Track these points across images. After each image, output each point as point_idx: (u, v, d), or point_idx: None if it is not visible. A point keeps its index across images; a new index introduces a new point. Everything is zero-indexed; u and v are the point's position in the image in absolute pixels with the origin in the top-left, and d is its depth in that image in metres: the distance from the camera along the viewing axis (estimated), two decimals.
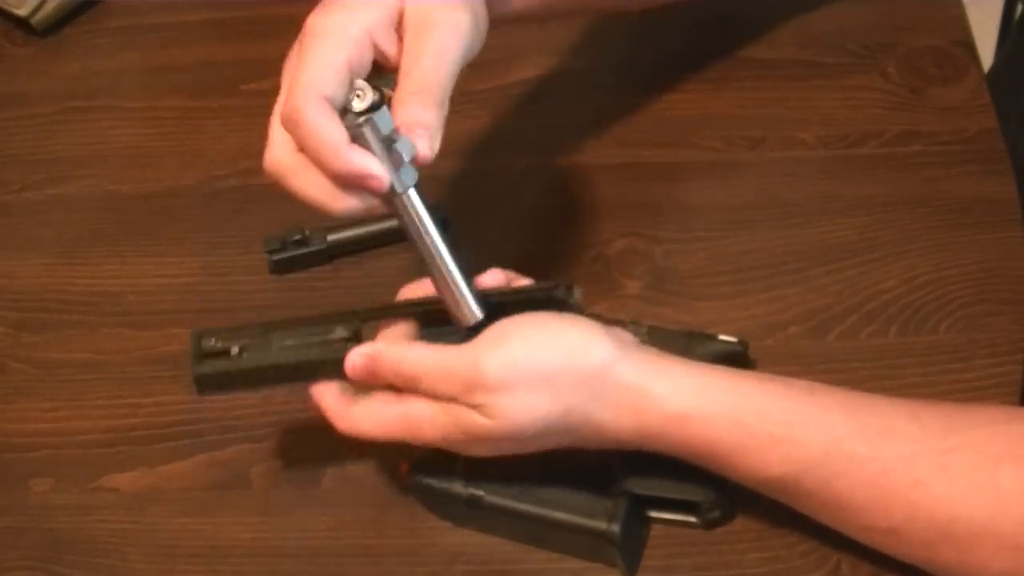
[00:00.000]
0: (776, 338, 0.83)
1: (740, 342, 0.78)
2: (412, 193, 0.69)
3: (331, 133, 0.66)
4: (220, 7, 1.06)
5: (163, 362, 0.86)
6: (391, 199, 0.68)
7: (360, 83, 0.67)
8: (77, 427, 0.83)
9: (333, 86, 0.66)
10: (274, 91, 0.99)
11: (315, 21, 0.68)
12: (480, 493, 0.74)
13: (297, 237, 0.89)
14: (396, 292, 0.87)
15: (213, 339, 0.73)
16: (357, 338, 0.73)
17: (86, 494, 0.81)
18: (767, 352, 0.81)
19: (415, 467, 0.76)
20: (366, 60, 0.68)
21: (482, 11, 0.72)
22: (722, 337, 0.78)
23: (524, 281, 0.75)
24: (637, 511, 0.74)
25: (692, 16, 0.98)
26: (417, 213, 0.70)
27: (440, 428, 0.70)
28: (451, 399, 0.69)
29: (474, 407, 0.68)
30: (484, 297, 0.72)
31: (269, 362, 0.73)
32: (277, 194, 0.94)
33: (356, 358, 0.71)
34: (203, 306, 0.88)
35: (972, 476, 0.66)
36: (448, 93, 0.68)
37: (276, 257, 0.89)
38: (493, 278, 0.74)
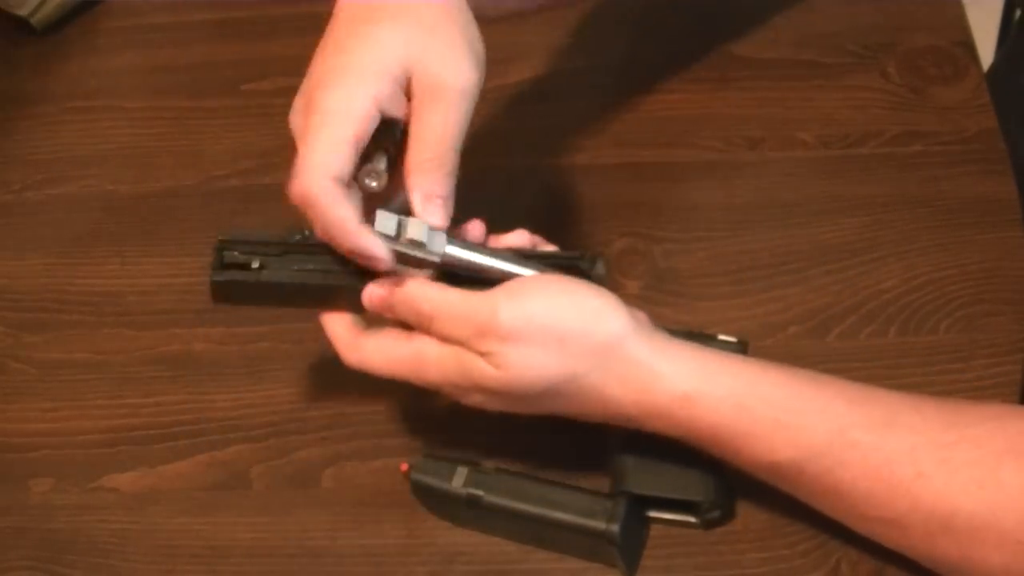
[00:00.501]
0: (776, 338, 0.83)
1: (740, 342, 0.78)
2: (449, 249, 0.71)
3: (339, 214, 0.69)
4: (220, 7, 1.06)
5: (163, 362, 0.86)
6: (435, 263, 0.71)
7: (377, 168, 0.71)
8: (77, 427, 0.83)
9: (341, 164, 0.68)
10: (274, 91, 1.00)
11: (322, 97, 0.69)
12: (480, 493, 0.74)
13: (297, 237, 0.89)
14: None
15: (236, 251, 0.73)
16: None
17: (86, 494, 0.81)
18: (767, 352, 0.81)
19: (415, 467, 0.76)
20: (373, 128, 0.70)
21: (478, 42, 0.73)
22: (721, 337, 0.78)
23: (549, 247, 0.75)
24: (637, 511, 0.74)
25: (692, 16, 0.98)
26: (465, 258, 0.71)
27: (445, 371, 0.70)
28: (461, 343, 0.69)
29: (482, 354, 0.68)
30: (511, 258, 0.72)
31: (286, 280, 0.72)
32: (277, 194, 0.94)
33: (375, 288, 0.71)
34: (203, 306, 0.88)
35: (974, 470, 0.66)
36: (457, 157, 0.71)
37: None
38: (519, 238, 0.74)
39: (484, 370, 0.69)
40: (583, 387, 0.69)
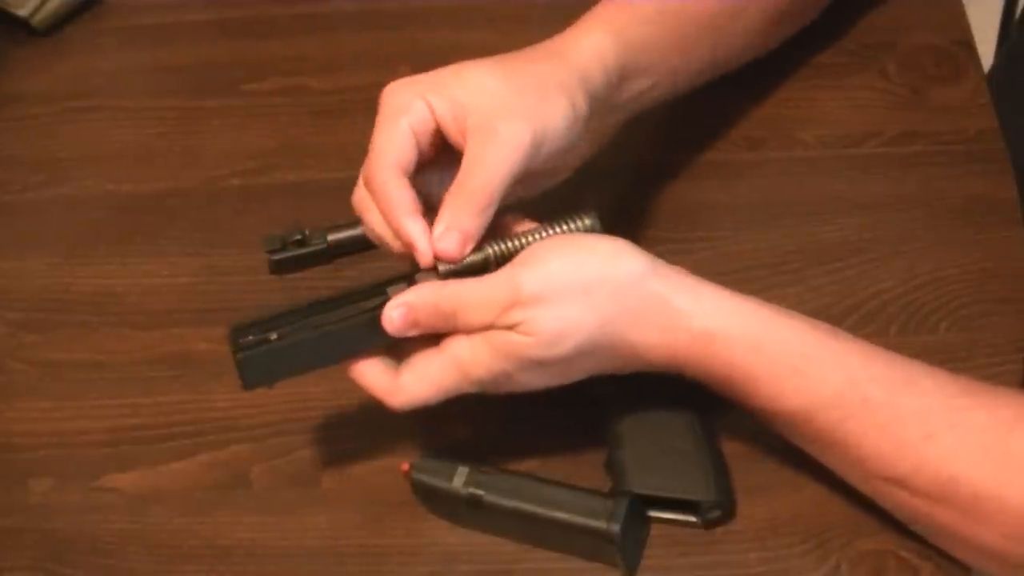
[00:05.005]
0: None
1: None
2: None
3: (393, 195, 0.72)
4: (220, 7, 1.06)
5: (163, 362, 0.86)
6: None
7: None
8: (77, 427, 0.83)
9: (400, 153, 0.73)
10: (274, 91, 1.00)
11: (388, 95, 0.75)
12: (480, 493, 0.74)
13: (297, 237, 0.89)
14: None
15: (250, 335, 0.73)
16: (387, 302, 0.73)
17: (86, 494, 0.81)
18: None
19: (415, 467, 0.76)
20: (429, 130, 0.74)
21: (559, 116, 0.73)
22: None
23: (530, 224, 0.75)
24: (637, 511, 0.74)
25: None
26: (473, 260, 0.72)
27: (484, 362, 0.70)
28: (490, 326, 0.69)
29: (512, 327, 0.69)
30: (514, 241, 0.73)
31: (310, 338, 0.73)
32: (277, 194, 0.95)
33: (392, 312, 0.71)
34: (203, 306, 0.88)
35: (983, 436, 0.67)
36: (496, 202, 0.72)
37: (276, 257, 0.89)
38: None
39: (519, 342, 0.69)
40: (613, 333, 0.69)
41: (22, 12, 1.04)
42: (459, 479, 0.74)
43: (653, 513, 0.75)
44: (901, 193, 0.89)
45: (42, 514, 0.80)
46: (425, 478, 0.76)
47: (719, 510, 0.74)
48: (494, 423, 0.80)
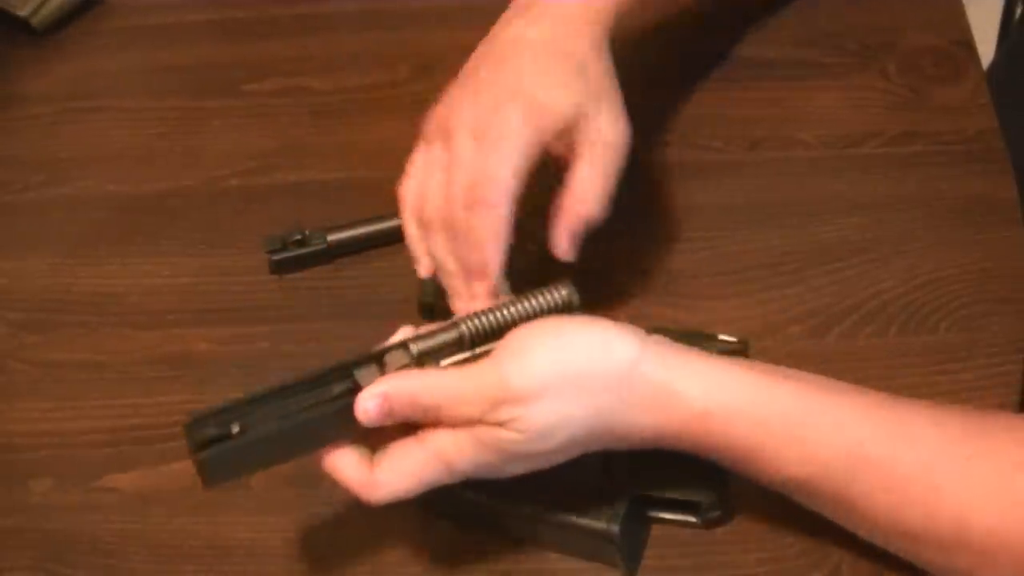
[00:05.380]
0: (776, 338, 0.83)
1: (740, 341, 0.78)
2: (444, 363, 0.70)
3: (503, 231, 0.73)
4: (220, 7, 1.06)
5: (163, 362, 0.86)
6: None
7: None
8: (78, 427, 0.83)
9: (517, 172, 0.74)
10: (274, 91, 1.00)
11: (501, 121, 0.75)
12: (480, 493, 0.74)
13: (297, 237, 0.89)
14: (396, 294, 0.87)
15: (209, 427, 0.67)
16: (357, 388, 0.68)
17: (86, 494, 0.81)
18: (767, 352, 0.81)
19: None
20: (537, 157, 0.75)
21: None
22: (722, 337, 0.78)
23: (504, 298, 0.72)
24: (637, 511, 0.74)
25: (693, 17, 0.98)
26: (457, 359, 0.70)
27: (470, 456, 0.67)
28: (476, 421, 0.66)
29: (501, 424, 0.66)
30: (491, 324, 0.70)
31: (275, 431, 0.68)
32: (277, 194, 0.95)
33: (367, 402, 0.67)
34: (203, 306, 0.88)
35: (990, 483, 0.66)
36: (604, 206, 0.77)
37: (276, 257, 0.89)
38: (403, 333, 0.72)
39: (509, 438, 0.66)
40: (608, 421, 0.68)
41: (22, 12, 1.04)
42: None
43: (653, 513, 0.75)
44: (901, 193, 0.89)
45: (42, 514, 0.80)
46: None
47: (719, 510, 0.74)
48: None
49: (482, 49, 0.80)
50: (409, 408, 0.67)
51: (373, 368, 0.69)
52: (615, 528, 0.72)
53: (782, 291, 0.85)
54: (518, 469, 0.68)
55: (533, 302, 0.70)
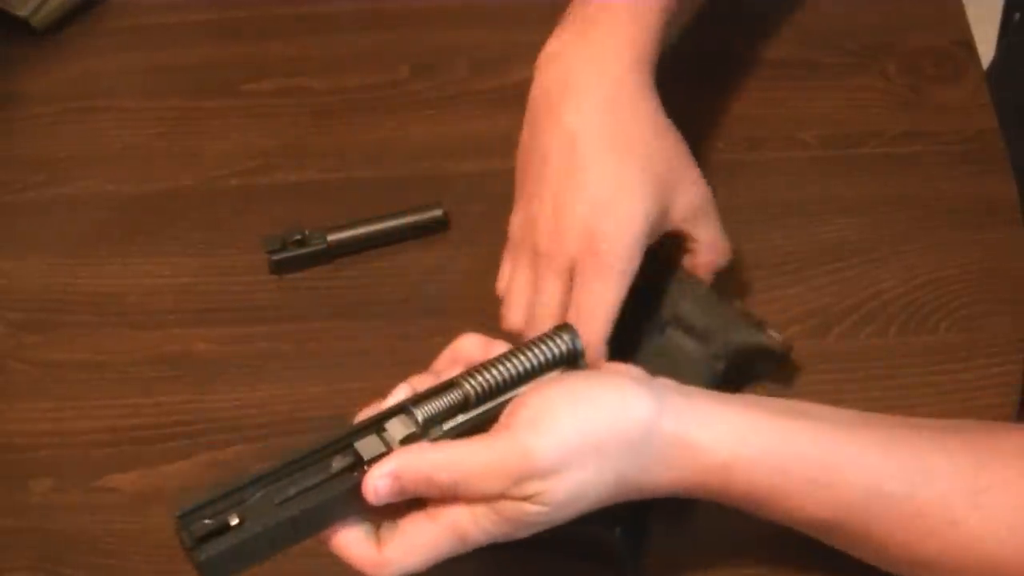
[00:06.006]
0: None
1: (784, 344, 0.76)
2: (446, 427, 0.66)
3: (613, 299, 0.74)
4: (220, 7, 1.06)
5: (163, 362, 0.86)
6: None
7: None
8: (78, 427, 0.83)
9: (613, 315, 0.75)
10: (274, 91, 1.00)
11: (599, 231, 0.75)
12: None
13: (297, 237, 0.89)
14: (396, 294, 0.87)
15: (204, 518, 0.63)
16: (359, 462, 0.65)
17: (87, 494, 0.81)
18: None
19: None
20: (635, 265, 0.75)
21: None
22: (771, 332, 0.77)
23: (503, 346, 0.69)
24: (637, 513, 0.74)
25: (692, 16, 0.98)
26: (463, 421, 0.67)
27: (488, 529, 0.65)
28: (498, 496, 0.64)
29: (525, 498, 0.64)
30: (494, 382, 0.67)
31: (277, 520, 0.63)
32: (277, 194, 0.95)
33: (377, 481, 0.64)
34: (203, 306, 0.88)
35: (1006, 515, 0.66)
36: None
37: (276, 257, 0.89)
38: (472, 344, 0.70)
39: (534, 511, 0.64)
40: (629, 481, 0.67)
41: (22, 12, 1.04)
42: None
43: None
44: (901, 193, 0.89)
45: (42, 514, 0.80)
46: None
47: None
48: None
49: (538, 137, 0.79)
50: (423, 486, 0.64)
51: (374, 439, 0.65)
52: (616, 531, 0.72)
53: (782, 291, 0.85)
54: (530, 533, 0.67)
55: (537, 353, 0.68)
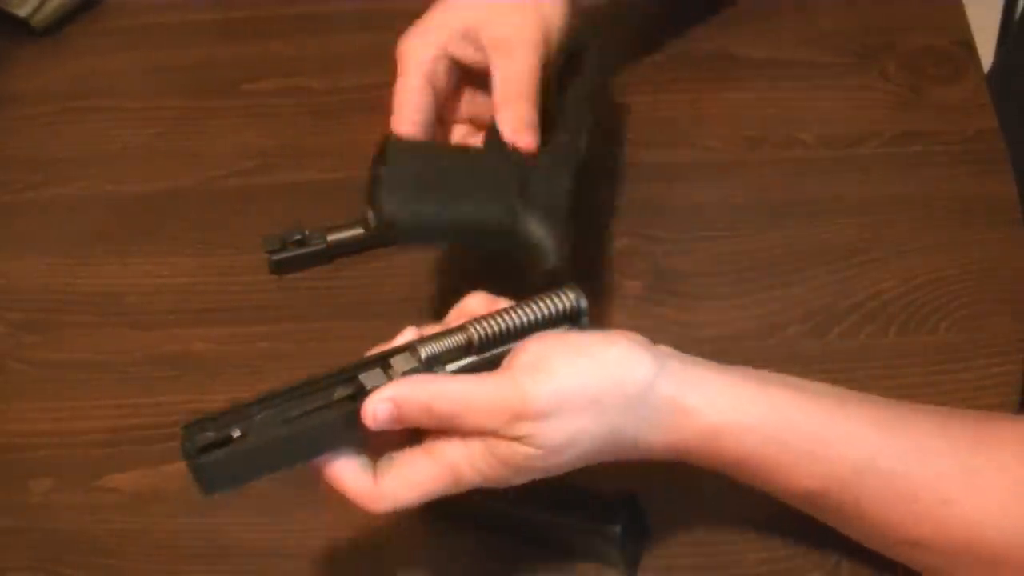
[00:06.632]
0: (776, 338, 0.83)
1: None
2: (449, 368, 0.68)
3: (411, 84, 0.79)
4: (220, 7, 1.06)
5: (163, 362, 0.86)
6: None
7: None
8: (77, 427, 0.83)
9: (426, 111, 0.79)
10: (274, 91, 1.00)
11: (398, 48, 0.81)
12: (481, 495, 0.74)
13: (297, 237, 0.89)
14: (396, 294, 0.87)
15: (209, 431, 0.65)
16: (362, 392, 0.67)
17: (87, 494, 0.81)
18: (767, 352, 0.81)
19: None
20: (441, 71, 0.80)
21: (559, 12, 0.80)
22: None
23: (505, 302, 0.71)
24: (637, 511, 0.74)
25: (692, 16, 0.98)
26: (463, 366, 0.68)
27: (480, 469, 0.66)
28: (491, 433, 0.65)
29: (518, 439, 0.65)
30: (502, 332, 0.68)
31: (277, 436, 0.66)
32: (277, 194, 0.95)
33: (377, 405, 0.65)
34: (203, 306, 0.88)
35: (1001, 495, 0.66)
36: (536, 94, 0.78)
37: (276, 257, 0.89)
38: (478, 301, 0.71)
39: (524, 452, 0.65)
40: (622, 438, 0.67)
41: (22, 12, 1.04)
42: None
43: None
44: (901, 193, 0.89)
45: (42, 514, 0.80)
46: None
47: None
48: None
49: None
50: (421, 414, 0.66)
51: (379, 372, 0.67)
52: (615, 528, 0.72)
53: (782, 291, 0.85)
54: (524, 480, 0.68)
55: (542, 306, 0.69)
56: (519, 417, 0.65)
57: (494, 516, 0.75)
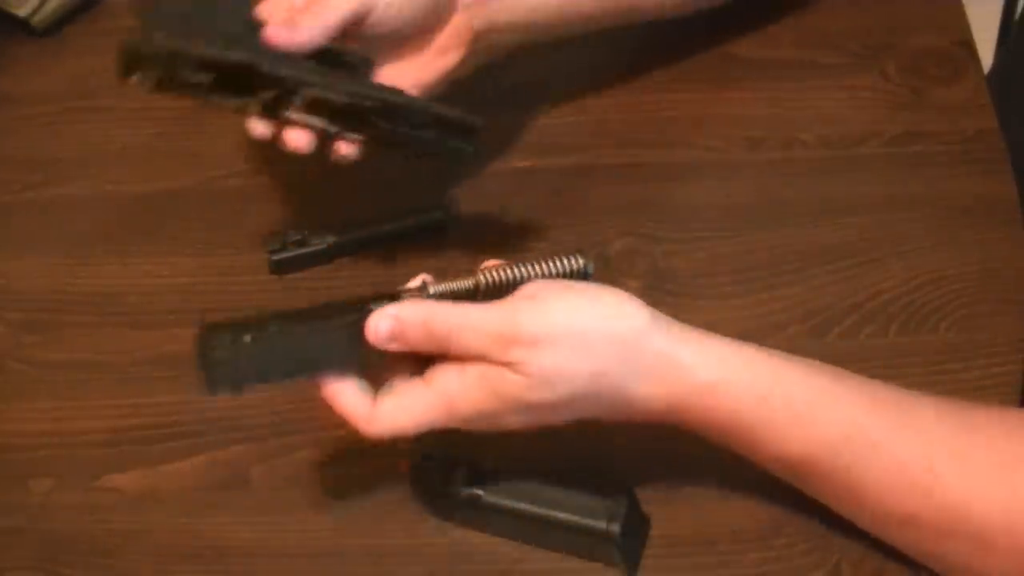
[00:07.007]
0: (776, 338, 0.83)
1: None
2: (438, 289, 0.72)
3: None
4: None
5: (163, 362, 0.86)
6: None
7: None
8: (77, 427, 0.83)
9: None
10: None
11: None
12: (480, 493, 0.74)
13: (297, 237, 0.89)
14: None
15: (222, 335, 0.70)
16: (368, 312, 0.70)
17: (86, 494, 0.81)
18: None
19: (415, 467, 0.76)
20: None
21: None
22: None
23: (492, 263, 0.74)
24: (637, 511, 0.74)
25: (692, 16, 0.98)
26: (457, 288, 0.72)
27: (474, 400, 0.68)
28: (483, 357, 0.67)
29: (507, 364, 0.67)
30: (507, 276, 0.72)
31: (284, 342, 0.70)
32: (277, 194, 0.95)
33: (380, 321, 0.69)
34: (203, 306, 0.88)
35: (990, 473, 0.66)
36: (332, 24, 0.77)
37: (276, 257, 0.89)
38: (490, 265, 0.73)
39: (512, 381, 0.67)
40: (609, 385, 0.68)
41: (22, 12, 1.04)
42: (459, 479, 0.74)
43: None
44: (901, 193, 0.89)
45: (42, 514, 0.80)
46: (425, 478, 0.76)
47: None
48: None
49: None
50: (420, 332, 0.68)
51: (387, 302, 0.70)
52: (615, 528, 0.72)
53: (782, 291, 0.85)
54: (518, 421, 0.69)
55: (551, 264, 0.72)
56: (511, 342, 0.67)
57: (495, 516, 0.75)
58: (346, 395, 0.70)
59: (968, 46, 0.96)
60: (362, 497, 0.79)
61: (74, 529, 0.79)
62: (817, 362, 0.71)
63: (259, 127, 0.77)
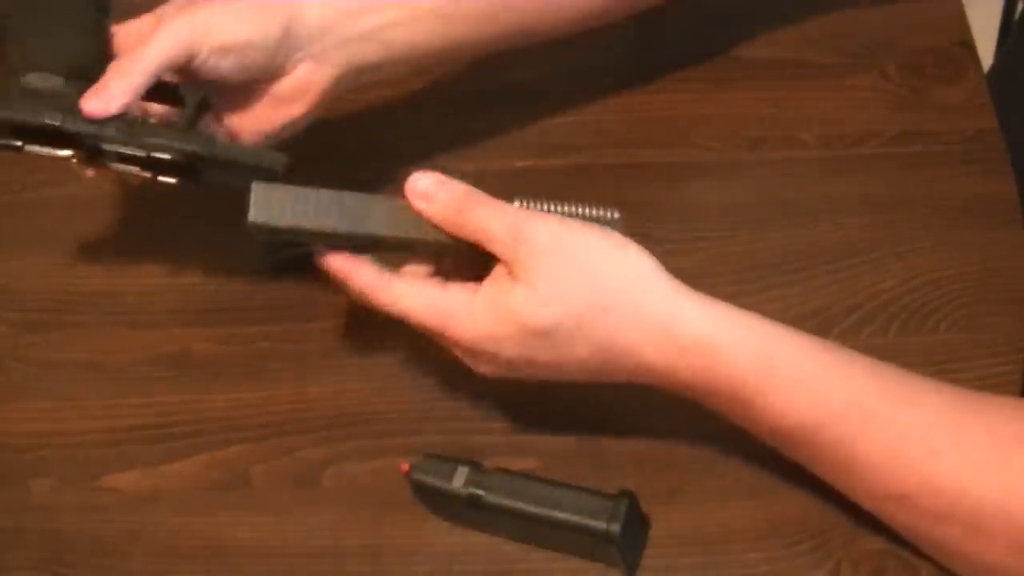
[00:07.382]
0: None
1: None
2: None
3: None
4: None
5: (163, 362, 0.86)
6: None
7: None
8: (77, 427, 0.83)
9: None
10: None
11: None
12: (480, 493, 0.74)
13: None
14: None
15: (274, 194, 0.73)
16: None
17: (87, 494, 0.81)
18: None
19: (415, 467, 0.76)
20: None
21: (236, 23, 0.77)
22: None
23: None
24: (637, 511, 0.74)
25: (692, 16, 0.98)
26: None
27: (473, 323, 0.70)
28: (491, 240, 0.70)
29: (512, 264, 0.69)
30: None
31: (327, 194, 0.74)
32: None
33: (422, 176, 0.73)
34: (203, 306, 0.88)
35: (987, 453, 0.67)
36: (143, 76, 0.75)
37: (276, 257, 0.89)
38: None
39: (514, 294, 0.69)
40: (610, 330, 0.69)
41: None
42: (459, 479, 0.74)
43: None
44: (901, 193, 0.89)
45: (42, 514, 0.80)
46: (425, 478, 0.76)
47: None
48: (494, 423, 0.80)
49: None
50: (452, 198, 0.72)
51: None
52: (615, 528, 0.72)
53: (782, 291, 0.85)
54: (513, 353, 0.70)
55: (584, 209, 0.74)
56: (522, 240, 0.69)
57: (494, 515, 0.75)
58: (364, 271, 0.73)
59: (968, 46, 0.96)
60: (362, 497, 0.79)
61: (74, 529, 0.79)
62: (822, 339, 0.71)
63: (88, 171, 0.79)
